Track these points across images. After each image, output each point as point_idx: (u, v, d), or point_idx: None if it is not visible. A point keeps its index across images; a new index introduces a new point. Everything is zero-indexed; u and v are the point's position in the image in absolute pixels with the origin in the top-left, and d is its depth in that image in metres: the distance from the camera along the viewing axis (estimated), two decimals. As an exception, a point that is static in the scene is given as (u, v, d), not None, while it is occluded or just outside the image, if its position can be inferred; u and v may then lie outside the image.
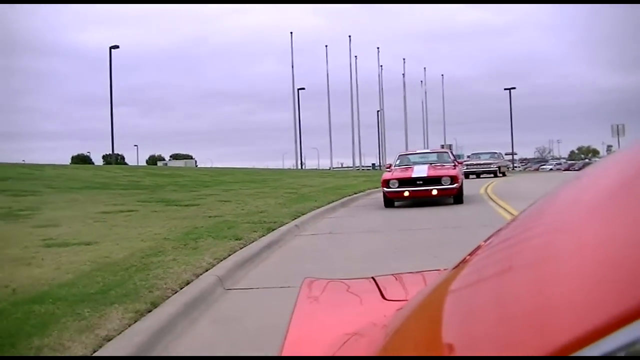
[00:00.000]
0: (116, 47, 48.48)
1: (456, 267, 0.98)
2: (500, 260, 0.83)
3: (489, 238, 0.99)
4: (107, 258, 6.98)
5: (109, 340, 4.09)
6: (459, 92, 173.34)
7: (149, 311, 4.79)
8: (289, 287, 5.75)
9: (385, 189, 15.04)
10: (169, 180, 25.42)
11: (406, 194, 14.85)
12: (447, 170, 15.29)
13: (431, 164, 16.39)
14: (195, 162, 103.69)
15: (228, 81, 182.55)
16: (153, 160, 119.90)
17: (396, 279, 1.72)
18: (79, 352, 3.83)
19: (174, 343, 4.47)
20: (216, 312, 5.41)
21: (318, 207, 14.42)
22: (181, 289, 5.58)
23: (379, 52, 72.08)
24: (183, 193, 18.64)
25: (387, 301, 1.40)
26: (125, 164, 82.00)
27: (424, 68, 79.04)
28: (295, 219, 11.90)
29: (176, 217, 11.84)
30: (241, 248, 8.03)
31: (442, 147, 44.41)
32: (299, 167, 67.87)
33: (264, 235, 9.29)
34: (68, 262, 6.73)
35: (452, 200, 15.06)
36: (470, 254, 0.99)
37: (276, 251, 8.76)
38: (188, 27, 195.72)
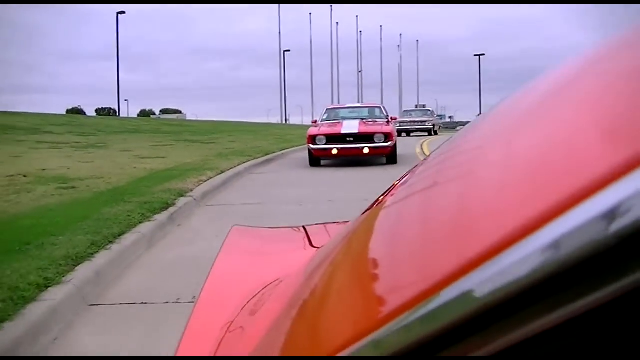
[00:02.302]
0: (122, 12, 53.45)
1: (374, 205, 1.00)
2: (416, 189, 0.84)
3: (403, 176, 1.01)
4: (178, 163, 13.26)
5: (206, 181, 10.36)
6: (446, 53, 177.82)
7: (220, 173, 11.15)
8: (279, 172, 12.19)
9: (312, 145, 13.64)
10: (181, 128, 31.65)
11: (334, 151, 13.49)
12: (381, 127, 13.90)
13: (362, 119, 14.87)
14: (185, 116, 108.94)
15: (215, 38, 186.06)
16: (144, 114, 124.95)
17: (327, 227, 1.65)
18: (201, 179, 10.17)
19: (232, 182, 10.83)
20: (247, 178, 11.80)
21: (296, 146, 20.74)
22: (230, 169, 11.96)
23: (357, 20, 77.34)
24: (198, 136, 24.92)
25: (315, 248, 1.34)
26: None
27: (400, 35, 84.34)
28: (282, 150, 18.38)
29: (203, 149, 18.17)
30: (253, 159, 14.46)
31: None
32: (284, 122, 73.89)
33: (263, 156, 15.73)
34: (160, 164, 13.00)
35: (384, 160, 13.84)
36: (385, 192, 1.02)
37: (272, 162, 15.40)
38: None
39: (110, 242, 5.26)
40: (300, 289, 0.92)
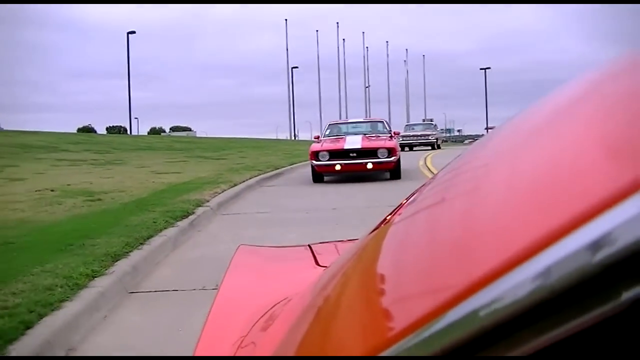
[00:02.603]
0: (133, 32, 54.61)
1: (382, 224, 1.00)
2: (424, 206, 0.85)
3: (410, 195, 1.01)
4: (193, 177, 14.06)
5: (220, 193, 11.14)
6: (453, 66, 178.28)
7: (233, 186, 11.95)
8: (288, 185, 12.95)
9: (314, 162, 13.46)
10: (192, 145, 32.55)
11: (337, 167, 13.31)
12: (384, 142, 13.70)
13: (365, 134, 14.73)
14: (195, 133, 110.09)
15: (224, 55, 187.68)
16: (154, 131, 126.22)
17: (332, 246, 1.67)
18: (216, 191, 10.97)
19: (244, 194, 11.61)
20: (259, 191, 12.59)
21: (304, 161, 21.51)
22: (242, 183, 12.75)
23: (364, 36, 78.39)
24: (210, 152, 25.78)
25: (321, 267, 1.37)
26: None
27: (406, 50, 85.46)
28: (290, 165, 19.17)
29: (215, 164, 19.00)
30: (263, 173, 15.27)
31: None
32: (293, 138, 74.86)
33: (273, 170, 16.53)
34: (177, 178, 13.81)
35: (388, 175, 13.71)
36: (393, 211, 1.03)
37: (281, 176, 16.19)
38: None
39: (141, 243, 6.04)
40: (309, 308, 0.92)
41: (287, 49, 67.68)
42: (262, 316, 1.16)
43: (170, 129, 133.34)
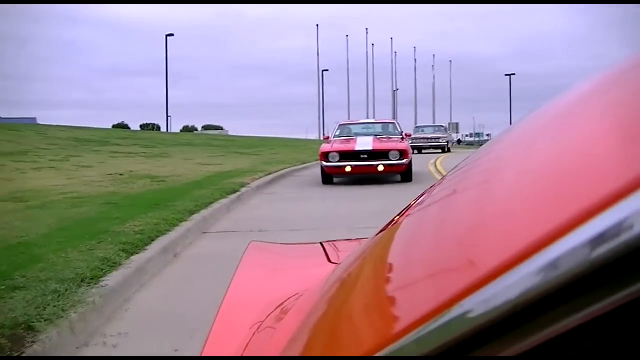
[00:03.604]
0: (171, 35, 57.35)
1: (389, 225, 1.01)
2: (433, 208, 0.87)
3: (419, 197, 1.02)
4: (234, 168, 16.59)
5: (258, 179, 13.63)
6: (486, 70, 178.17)
7: (268, 175, 14.46)
8: (313, 176, 15.41)
9: (324, 163, 13.17)
10: (228, 143, 35.26)
11: (348, 169, 12.98)
12: (395, 144, 13.43)
13: (376, 136, 14.43)
14: (227, 132, 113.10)
15: (256, 55, 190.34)
16: (187, 130, 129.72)
17: (345, 244, 1.68)
18: (255, 177, 13.47)
19: (278, 181, 14.09)
20: (291, 178, 15.07)
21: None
22: (276, 172, 15.26)
23: (392, 41, 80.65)
24: (245, 149, 28.42)
25: (333, 264, 1.37)
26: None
27: (433, 55, 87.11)
28: (317, 161, 21.66)
29: (251, 158, 21.57)
30: (292, 166, 17.79)
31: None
32: (322, 138, 77.35)
33: (301, 164, 19.05)
34: (220, 168, 16.36)
35: (399, 178, 13.45)
36: (402, 212, 1.04)
37: (308, 169, 18.69)
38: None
39: (206, 206, 8.54)
40: (319, 304, 0.94)
41: (318, 54, 70.15)
42: (272, 312, 1.15)
43: (203, 127, 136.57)
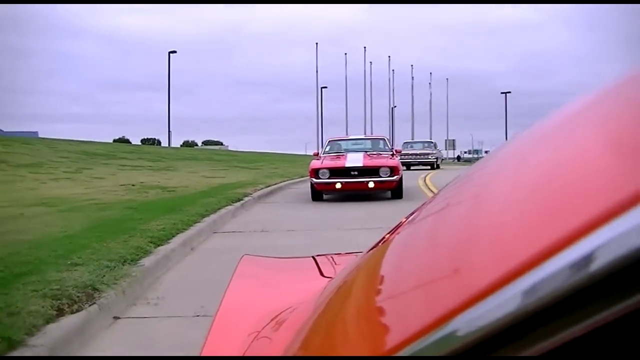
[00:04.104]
0: (174, 52, 58.70)
1: (383, 241, 1.04)
2: (426, 223, 0.88)
3: (410, 214, 1.04)
4: (236, 180, 17.84)
5: (259, 190, 14.88)
6: (485, 87, 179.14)
7: (268, 186, 15.72)
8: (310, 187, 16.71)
9: (314, 179, 13.15)
10: (229, 157, 36.64)
11: (338, 185, 12.96)
12: (386, 160, 13.45)
13: (366, 152, 14.47)
14: (227, 147, 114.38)
15: (256, 70, 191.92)
16: (187, 144, 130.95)
17: (337, 258, 1.70)
18: (256, 188, 14.73)
19: (277, 192, 15.34)
20: (287, 190, 16.32)
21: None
22: (275, 185, 16.52)
23: (389, 60, 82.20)
24: (245, 163, 29.74)
25: (325, 278, 1.38)
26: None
27: (430, 73, 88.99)
28: (314, 175, 23.07)
29: (252, 172, 22.85)
30: (290, 179, 19.04)
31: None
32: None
33: (299, 178, 20.31)
34: (223, 180, 17.63)
35: (389, 195, 13.50)
36: (394, 229, 1.06)
37: (306, 182, 19.80)
38: (222, 15, 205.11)
39: (214, 211, 9.78)
40: (313, 317, 0.95)
41: (317, 71, 71.56)
42: (265, 325, 1.16)
43: (203, 142, 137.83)
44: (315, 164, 13.61)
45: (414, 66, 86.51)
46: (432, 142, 39.59)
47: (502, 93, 76.40)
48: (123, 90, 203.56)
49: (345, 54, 76.81)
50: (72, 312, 4.02)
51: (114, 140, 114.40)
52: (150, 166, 24.17)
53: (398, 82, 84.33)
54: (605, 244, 0.40)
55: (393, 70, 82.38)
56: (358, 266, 0.99)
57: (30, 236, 6.75)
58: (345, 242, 7.40)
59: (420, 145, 37.89)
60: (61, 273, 4.79)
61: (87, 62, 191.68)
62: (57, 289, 4.27)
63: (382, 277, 0.84)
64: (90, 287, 4.52)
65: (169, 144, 58.79)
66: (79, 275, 4.77)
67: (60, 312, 3.96)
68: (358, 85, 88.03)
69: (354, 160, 13.45)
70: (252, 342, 1.12)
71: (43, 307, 3.92)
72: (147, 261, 5.74)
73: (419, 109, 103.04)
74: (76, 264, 5.16)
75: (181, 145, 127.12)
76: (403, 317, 0.62)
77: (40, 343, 3.42)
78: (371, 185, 12.91)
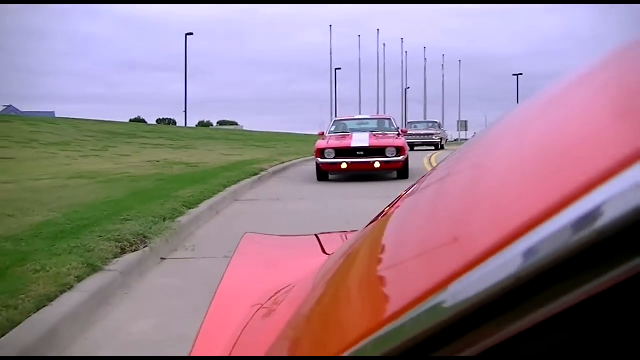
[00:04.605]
0: (190, 34, 59.71)
1: (382, 215, 1.05)
2: (421, 200, 0.89)
3: (410, 187, 1.05)
4: (253, 158, 19.05)
5: (274, 166, 16.08)
6: (500, 69, 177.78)
7: (282, 163, 16.95)
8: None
9: (320, 159, 13.11)
10: (245, 137, 37.91)
11: (344, 166, 12.92)
12: (392, 140, 13.41)
13: (372, 132, 14.32)
14: (242, 128, 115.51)
15: (271, 52, 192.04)
16: (203, 124, 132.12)
17: (339, 236, 1.68)
18: (271, 164, 15.94)
19: (290, 168, 16.55)
20: (299, 167, 17.54)
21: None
22: (289, 162, 17.74)
23: (402, 42, 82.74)
24: (261, 142, 31.00)
25: (327, 255, 1.35)
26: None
27: (443, 55, 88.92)
28: (326, 153, 24.29)
29: (267, 151, 24.09)
30: (303, 157, 20.26)
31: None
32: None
33: (311, 156, 21.50)
34: (241, 158, 18.85)
35: (395, 175, 13.26)
36: (392, 203, 1.08)
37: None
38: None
39: (234, 183, 11.00)
40: (311, 294, 0.96)
41: (330, 53, 72.45)
42: (265, 302, 1.17)
43: (218, 122, 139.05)
44: (321, 143, 13.52)
45: (428, 48, 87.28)
46: (436, 122, 38.21)
47: (514, 75, 76.83)
48: (138, 70, 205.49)
49: (359, 36, 77.65)
50: (132, 251, 5.25)
51: (130, 120, 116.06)
52: (170, 145, 25.46)
53: (412, 64, 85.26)
54: (604, 203, 0.39)
55: (406, 52, 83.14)
56: (357, 240, 1.00)
57: (81, 200, 7.99)
58: (349, 208, 8.60)
59: (425, 125, 36.74)
60: (117, 225, 6.00)
61: (102, 42, 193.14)
62: (118, 236, 5.50)
63: (382, 248, 0.84)
64: (141, 236, 5.74)
65: (185, 124, 60.15)
66: (131, 227, 5.99)
67: (123, 251, 5.19)
68: (372, 66, 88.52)
69: (360, 140, 13.37)
70: (252, 317, 1.12)
71: (109, 247, 5.15)
72: (182, 219, 6.96)
73: (433, 91, 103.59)
74: (127, 220, 6.38)
75: (197, 125, 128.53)
76: (402, 285, 0.61)
77: (113, 269, 4.65)
78: (377, 165, 12.84)
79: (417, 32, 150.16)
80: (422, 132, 34.31)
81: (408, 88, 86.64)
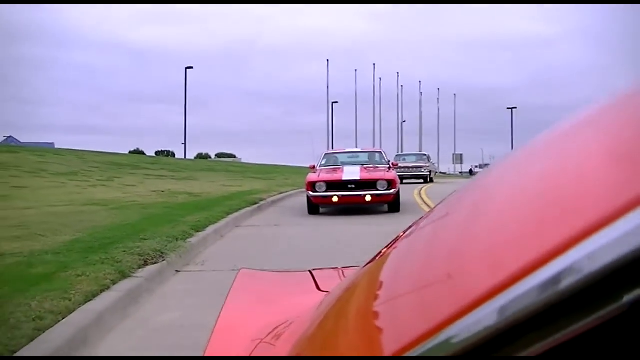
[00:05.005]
0: (190, 67, 60.97)
1: (380, 255, 1.06)
2: (420, 238, 0.92)
3: (408, 228, 1.06)
4: (252, 188, 20.04)
5: (273, 196, 17.07)
6: (497, 101, 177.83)
7: (279, 194, 17.96)
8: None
9: (311, 192, 13.12)
10: (244, 169, 39.01)
11: (335, 199, 12.95)
12: (383, 173, 13.53)
13: (363, 165, 14.54)
14: (240, 160, 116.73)
15: (269, 83, 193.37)
16: (201, 157, 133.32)
17: (333, 272, 1.73)
18: (270, 195, 16.95)
19: (288, 198, 17.57)
20: (296, 197, 18.55)
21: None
22: (286, 192, 18.76)
23: (398, 76, 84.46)
24: (260, 174, 32.05)
25: (322, 292, 1.40)
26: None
27: (438, 89, 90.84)
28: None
29: (266, 182, 25.12)
30: (300, 189, 21.28)
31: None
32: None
33: (308, 187, 22.64)
34: (241, 188, 19.86)
35: (386, 208, 13.36)
36: (390, 244, 1.08)
37: (313, 192, 22.21)
38: (236, 28, 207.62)
39: (236, 211, 11.99)
40: (310, 331, 0.98)
41: (327, 87, 73.62)
42: (263, 338, 1.18)
43: (216, 155, 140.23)
44: (312, 177, 13.50)
45: (426, 80, 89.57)
46: (425, 155, 37.12)
47: (508, 109, 78.20)
48: (136, 102, 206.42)
49: (356, 70, 79.08)
50: (153, 264, 6.22)
51: (130, 152, 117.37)
52: (172, 176, 26.49)
53: (409, 96, 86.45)
54: (599, 249, 0.42)
55: (402, 86, 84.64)
56: (355, 279, 1.01)
57: (100, 223, 8.97)
58: (340, 232, 9.57)
59: (414, 157, 35.73)
60: (137, 243, 6.98)
61: (100, 73, 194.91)
62: (140, 251, 6.47)
63: (379, 289, 0.85)
64: (159, 252, 6.71)
65: (184, 156, 61.22)
66: (150, 244, 6.96)
67: (145, 263, 6.16)
68: (369, 99, 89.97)
69: (351, 173, 13.43)
70: (253, 350, 1.15)
71: (134, 259, 6.12)
72: (192, 240, 7.94)
73: (429, 123, 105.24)
74: (145, 239, 7.35)
75: (195, 158, 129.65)
76: (399, 327, 0.63)
77: (139, 276, 5.62)
78: (368, 198, 12.87)
79: (413, 64, 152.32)
80: (411, 164, 33.12)
81: (404, 121, 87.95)
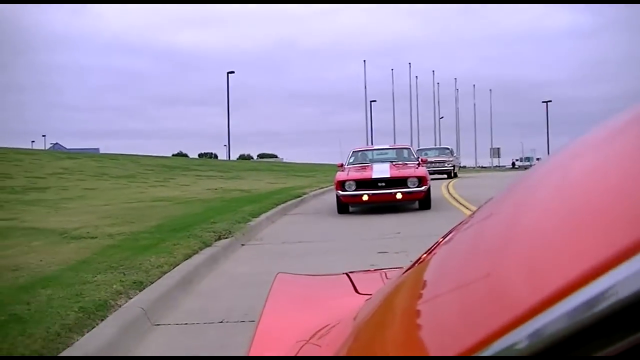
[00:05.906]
0: (232, 72, 62.83)
1: (421, 260, 1.04)
2: (459, 248, 0.90)
3: (448, 233, 1.05)
4: (295, 185, 21.96)
5: (314, 191, 18.93)
6: (539, 94, 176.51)
7: (320, 189, 19.84)
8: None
9: (340, 192, 12.81)
10: (287, 168, 41.12)
11: (365, 197, 12.66)
12: (413, 170, 13.20)
13: (392, 162, 14.17)
14: (282, 160, 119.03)
15: (309, 83, 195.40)
16: (243, 158, 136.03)
17: (370, 274, 1.76)
18: (312, 189, 18.83)
19: (328, 192, 19.45)
20: (333, 193, 20.40)
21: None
22: (326, 187, 20.64)
23: (434, 74, 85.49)
24: (301, 173, 34.06)
25: (360, 295, 1.40)
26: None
27: (473, 85, 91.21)
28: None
29: (307, 179, 27.08)
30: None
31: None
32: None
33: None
34: (285, 185, 21.79)
35: (416, 205, 13.09)
36: (431, 249, 1.07)
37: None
38: (276, 29, 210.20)
39: (283, 202, 13.90)
40: (352, 336, 0.98)
41: (365, 87, 75.19)
42: (305, 343, 1.18)
43: (258, 155, 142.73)
44: (341, 175, 13.16)
45: (466, 75, 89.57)
46: (447, 148, 35.30)
47: (543, 102, 78.39)
48: (177, 105, 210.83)
49: (392, 69, 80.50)
50: (225, 238, 8.13)
51: (173, 155, 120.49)
52: (221, 175, 28.63)
53: (447, 92, 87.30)
54: None
55: (438, 83, 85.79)
56: (396, 287, 1.01)
57: (174, 214, 10.95)
58: (372, 221, 11.37)
59: (436, 152, 34.01)
60: (209, 225, 8.90)
61: (142, 78, 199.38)
62: (213, 230, 8.39)
63: (421, 299, 0.84)
64: (227, 231, 8.62)
65: (228, 158, 63.60)
66: (219, 226, 8.88)
67: (219, 238, 8.08)
68: (406, 97, 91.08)
69: (381, 171, 13.12)
70: (297, 352, 1.16)
71: (211, 235, 8.04)
72: (250, 223, 9.87)
73: (467, 118, 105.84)
74: (214, 222, 9.28)
75: (238, 159, 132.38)
76: (444, 339, 0.62)
77: (217, 245, 7.54)
78: (399, 196, 12.53)
79: (453, 61, 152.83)
80: (433, 159, 30.07)
81: (442, 118, 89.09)
